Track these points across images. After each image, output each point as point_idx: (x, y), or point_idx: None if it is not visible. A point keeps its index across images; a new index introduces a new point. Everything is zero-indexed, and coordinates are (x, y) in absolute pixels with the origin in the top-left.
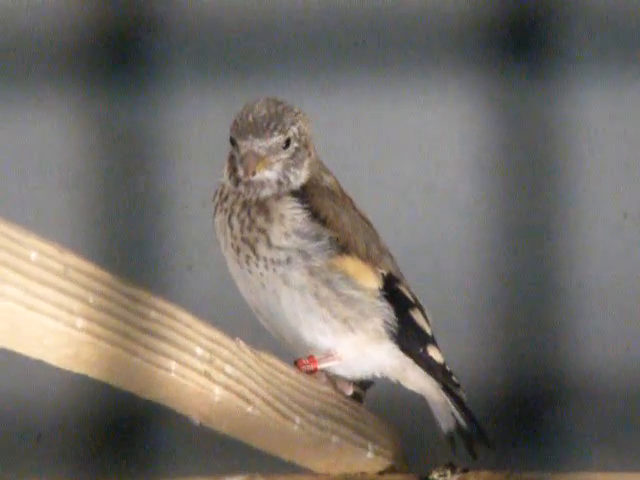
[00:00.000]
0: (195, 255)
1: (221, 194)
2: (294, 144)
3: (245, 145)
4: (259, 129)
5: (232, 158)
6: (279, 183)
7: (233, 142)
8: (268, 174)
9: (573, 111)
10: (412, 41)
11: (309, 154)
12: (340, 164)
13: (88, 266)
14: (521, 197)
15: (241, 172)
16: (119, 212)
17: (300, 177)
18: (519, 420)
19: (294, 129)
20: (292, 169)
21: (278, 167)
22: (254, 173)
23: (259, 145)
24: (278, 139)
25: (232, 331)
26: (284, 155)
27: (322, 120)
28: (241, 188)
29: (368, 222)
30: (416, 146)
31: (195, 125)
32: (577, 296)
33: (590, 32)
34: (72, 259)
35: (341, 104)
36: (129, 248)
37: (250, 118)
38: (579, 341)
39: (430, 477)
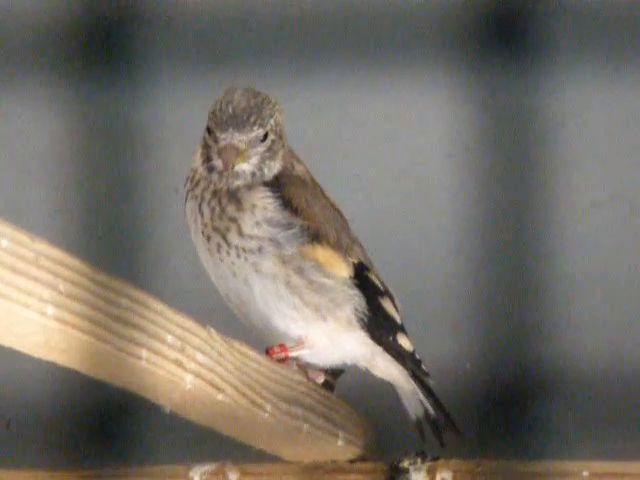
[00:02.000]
0: (167, 243)
1: (192, 180)
2: (271, 137)
3: (225, 138)
4: (239, 122)
5: (207, 146)
6: (253, 175)
7: (210, 131)
8: (245, 166)
9: (548, 101)
10: (391, 30)
11: (282, 145)
12: (315, 152)
13: (59, 254)
14: (495, 186)
15: (218, 163)
16: (93, 200)
17: (273, 169)
18: (495, 409)
19: (272, 122)
20: (267, 161)
21: (255, 160)
22: (233, 166)
23: (239, 138)
24: (257, 133)
25: (203, 319)
26: (261, 148)
27: (298, 109)
28: (214, 177)
29: (338, 210)
30: (391, 134)
31: (172, 114)
32: (550, 285)
33: (568, 24)
34: (43, 247)
35: (317, 93)
36: (101, 236)
37: (230, 110)
38: (554, 331)
39: (401, 465)
